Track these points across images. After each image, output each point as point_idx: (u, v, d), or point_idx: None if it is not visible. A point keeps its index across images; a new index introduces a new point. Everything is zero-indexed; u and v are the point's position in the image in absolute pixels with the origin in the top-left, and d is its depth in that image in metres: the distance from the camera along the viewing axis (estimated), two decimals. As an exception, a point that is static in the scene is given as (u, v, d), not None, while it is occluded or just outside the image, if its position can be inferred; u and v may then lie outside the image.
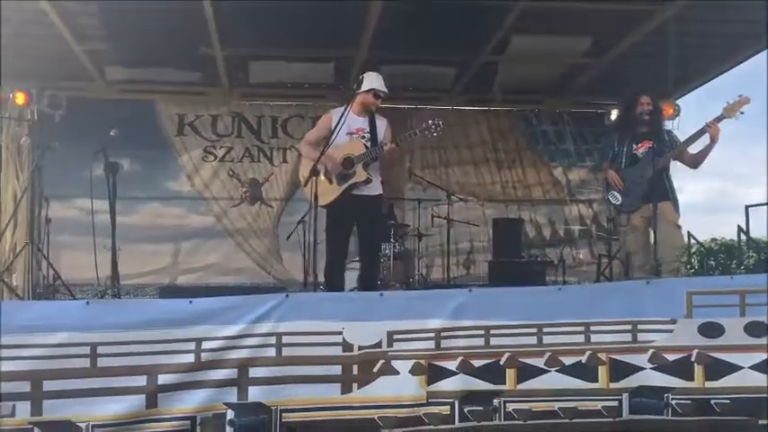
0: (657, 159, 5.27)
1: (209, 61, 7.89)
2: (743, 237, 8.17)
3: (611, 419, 3.68)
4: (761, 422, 3.64)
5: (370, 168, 5.06)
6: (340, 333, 3.58)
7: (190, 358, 3.45)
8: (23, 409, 3.29)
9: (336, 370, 3.56)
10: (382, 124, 5.21)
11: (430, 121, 4.99)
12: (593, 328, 3.75)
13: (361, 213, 5.08)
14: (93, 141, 5.78)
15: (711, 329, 3.71)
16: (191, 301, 3.57)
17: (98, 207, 5.97)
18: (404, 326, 3.64)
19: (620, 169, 5.54)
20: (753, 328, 3.70)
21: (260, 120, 9.04)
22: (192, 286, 7.99)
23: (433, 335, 3.65)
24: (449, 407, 3.61)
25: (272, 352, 3.53)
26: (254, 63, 8.21)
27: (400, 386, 3.58)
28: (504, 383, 3.65)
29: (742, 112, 5.05)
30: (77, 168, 7.01)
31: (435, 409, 3.59)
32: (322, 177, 4.91)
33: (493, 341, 3.68)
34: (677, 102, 8.57)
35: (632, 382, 3.71)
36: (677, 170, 5.68)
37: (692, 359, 3.70)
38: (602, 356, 3.71)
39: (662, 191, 5.34)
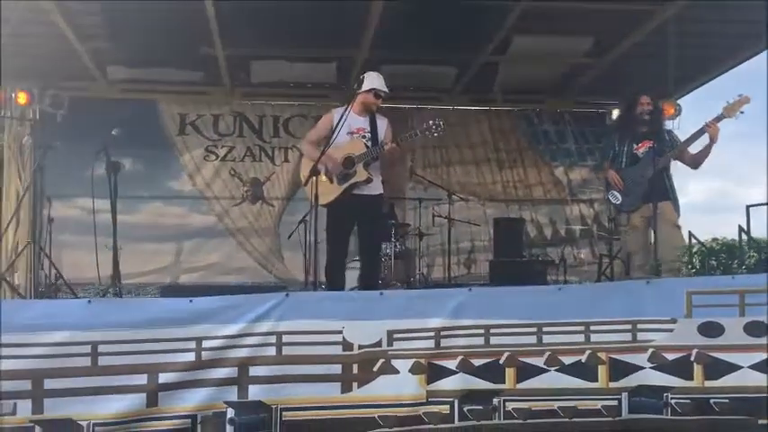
0: (658, 159, 5.27)
1: (211, 61, 7.90)
2: (744, 236, 8.17)
3: (610, 419, 3.69)
4: (760, 422, 3.64)
5: (371, 168, 5.07)
6: (340, 332, 3.59)
7: (190, 357, 3.47)
8: (25, 408, 3.31)
9: (336, 369, 3.57)
10: (383, 124, 5.22)
11: (431, 122, 5.00)
12: (592, 327, 3.75)
13: (361, 213, 5.08)
14: (95, 141, 5.79)
15: (711, 329, 3.72)
16: (191, 301, 3.58)
17: (100, 206, 5.98)
18: (404, 325, 3.65)
19: (620, 169, 5.55)
20: (752, 328, 3.71)
21: (261, 119, 9.05)
22: (193, 285, 8.02)
23: (432, 334, 3.65)
24: (448, 406, 3.61)
25: (272, 351, 3.54)
26: (256, 63, 8.22)
27: (400, 385, 3.59)
28: (504, 383, 3.66)
29: (742, 112, 5.05)
30: (79, 168, 7.00)
31: (435, 408, 3.60)
32: (323, 177, 4.92)
33: (493, 340, 3.69)
34: (678, 101, 8.57)
35: (632, 381, 3.71)
36: (678, 170, 5.69)
37: (692, 359, 3.71)
38: (602, 356, 3.72)
39: (662, 191, 5.34)
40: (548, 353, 3.70)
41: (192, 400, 3.44)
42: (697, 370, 3.71)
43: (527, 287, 4.25)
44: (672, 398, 3.69)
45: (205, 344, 3.48)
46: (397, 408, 3.57)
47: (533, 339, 3.71)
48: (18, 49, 7.06)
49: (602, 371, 3.71)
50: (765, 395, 3.63)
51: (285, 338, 3.55)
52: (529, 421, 3.64)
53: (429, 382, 3.62)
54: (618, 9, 6.71)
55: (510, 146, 9.39)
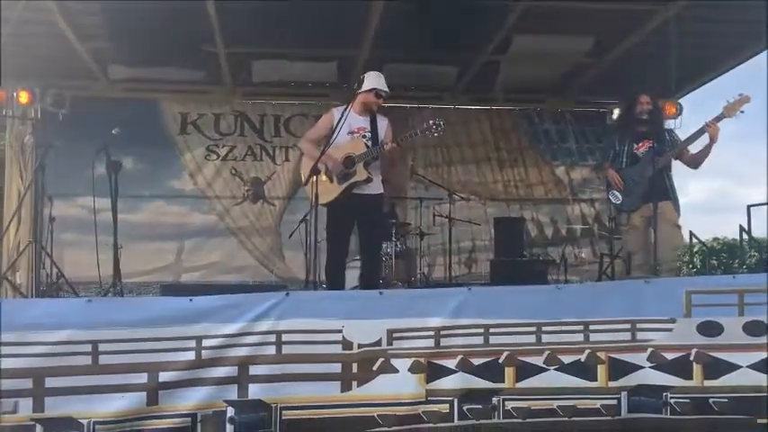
0: (658, 159, 5.27)
1: (212, 60, 7.92)
2: (745, 236, 8.18)
3: (609, 418, 3.68)
4: (759, 421, 3.64)
5: (371, 167, 5.07)
6: (340, 331, 3.59)
7: (190, 356, 3.47)
8: (26, 406, 3.31)
9: (336, 368, 3.57)
10: (383, 123, 5.22)
11: (431, 122, 4.99)
12: (592, 326, 3.75)
13: (361, 212, 5.08)
14: (97, 140, 5.79)
15: (710, 328, 3.72)
16: (191, 299, 3.59)
17: (101, 205, 5.99)
18: (403, 324, 3.65)
19: (620, 169, 5.54)
20: (752, 328, 3.71)
21: (263, 118, 9.07)
22: (194, 284, 8.04)
23: (432, 333, 3.65)
24: (448, 405, 3.61)
25: (272, 350, 3.54)
26: (257, 62, 8.23)
27: (400, 384, 3.59)
28: (504, 382, 3.66)
29: (742, 111, 5.04)
30: (80, 167, 7.00)
31: (435, 408, 3.60)
32: (323, 176, 4.92)
33: (492, 339, 3.69)
34: (679, 101, 8.57)
35: (631, 380, 3.71)
36: (678, 170, 5.69)
37: (691, 358, 3.71)
38: (601, 355, 3.71)
39: (662, 190, 5.33)
40: (547, 352, 3.70)
41: (192, 399, 3.44)
42: (696, 369, 3.70)
43: (526, 286, 4.24)
44: (671, 397, 3.69)
45: (205, 343, 3.48)
46: (397, 407, 3.57)
47: (533, 339, 3.71)
48: (19, 49, 7.08)
49: (601, 370, 3.71)
50: (765, 395, 3.63)
51: (285, 337, 3.55)
52: (528, 420, 3.64)
53: (428, 381, 3.62)
54: (618, 9, 6.73)
55: (511, 145, 9.41)
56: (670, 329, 3.73)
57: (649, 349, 3.73)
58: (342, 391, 3.57)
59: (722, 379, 3.69)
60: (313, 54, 8.08)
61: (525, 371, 3.68)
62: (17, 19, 6.44)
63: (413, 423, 3.58)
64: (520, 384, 3.67)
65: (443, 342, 3.66)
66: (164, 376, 3.43)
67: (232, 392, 3.48)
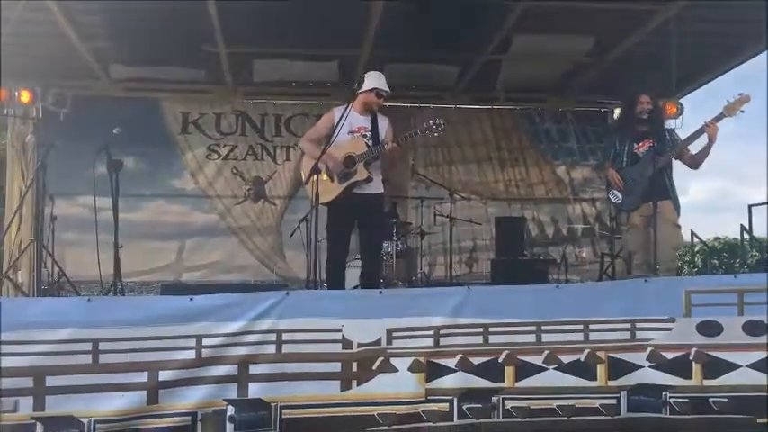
0: (658, 158, 5.27)
1: (213, 59, 7.93)
2: (746, 236, 8.19)
3: (609, 417, 3.69)
4: (759, 420, 3.65)
5: (372, 167, 5.07)
6: (339, 330, 3.60)
7: (190, 355, 3.48)
8: (26, 405, 3.33)
9: (336, 367, 3.59)
10: (384, 123, 5.22)
11: (431, 121, 4.99)
12: (591, 326, 3.76)
13: (361, 212, 5.09)
14: (98, 139, 5.78)
15: (710, 328, 3.73)
16: (191, 299, 3.60)
17: (102, 205, 5.99)
18: (403, 323, 3.66)
19: (621, 168, 5.54)
20: (751, 327, 3.72)
21: (264, 118, 9.08)
22: (195, 283, 8.04)
23: (432, 332, 3.66)
24: (448, 404, 3.62)
25: (272, 349, 3.55)
26: (258, 61, 8.24)
27: (399, 383, 3.60)
28: (503, 381, 3.67)
29: (742, 111, 5.03)
30: (82, 166, 7.00)
31: (434, 407, 3.61)
32: (324, 176, 4.92)
33: (492, 339, 3.70)
34: (680, 100, 8.57)
35: (630, 380, 3.72)
36: (678, 170, 5.69)
37: (691, 357, 3.72)
38: (601, 354, 3.72)
39: (662, 190, 5.32)
40: (547, 351, 3.71)
41: (192, 398, 3.45)
42: (696, 369, 3.71)
43: (526, 286, 4.25)
44: (670, 396, 3.70)
45: (205, 341, 3.49)
46: (397, 406, 3.58)
47: (532, 338, 3.72)
48: (19, 49, 7.09)
49: (600, 369, 3.72)
50: (764, 394, 3.64)
51: (285, 336, 3.56)
52: (528, 419, 3.65)
53: (428, 380, 3.63)
54: (618, 9, 6.72)
55: (512, 145, 9.41)
56: (669, 329, 3.74)
57: (649, 349, 3.74)
58: (342, 390, 3.58)
59: (722, 378, 3.70)
60: (314, 54, 8.09)
61: (525, 370, 3.69)
62: (18, 19, 6.45)
63: (412, 422, 3.59)
64: (519, 384, 3.68)
65: (443, 341, 3.67)
66: (164, 375, 3.43)
67: (232, 391, 3.49)
